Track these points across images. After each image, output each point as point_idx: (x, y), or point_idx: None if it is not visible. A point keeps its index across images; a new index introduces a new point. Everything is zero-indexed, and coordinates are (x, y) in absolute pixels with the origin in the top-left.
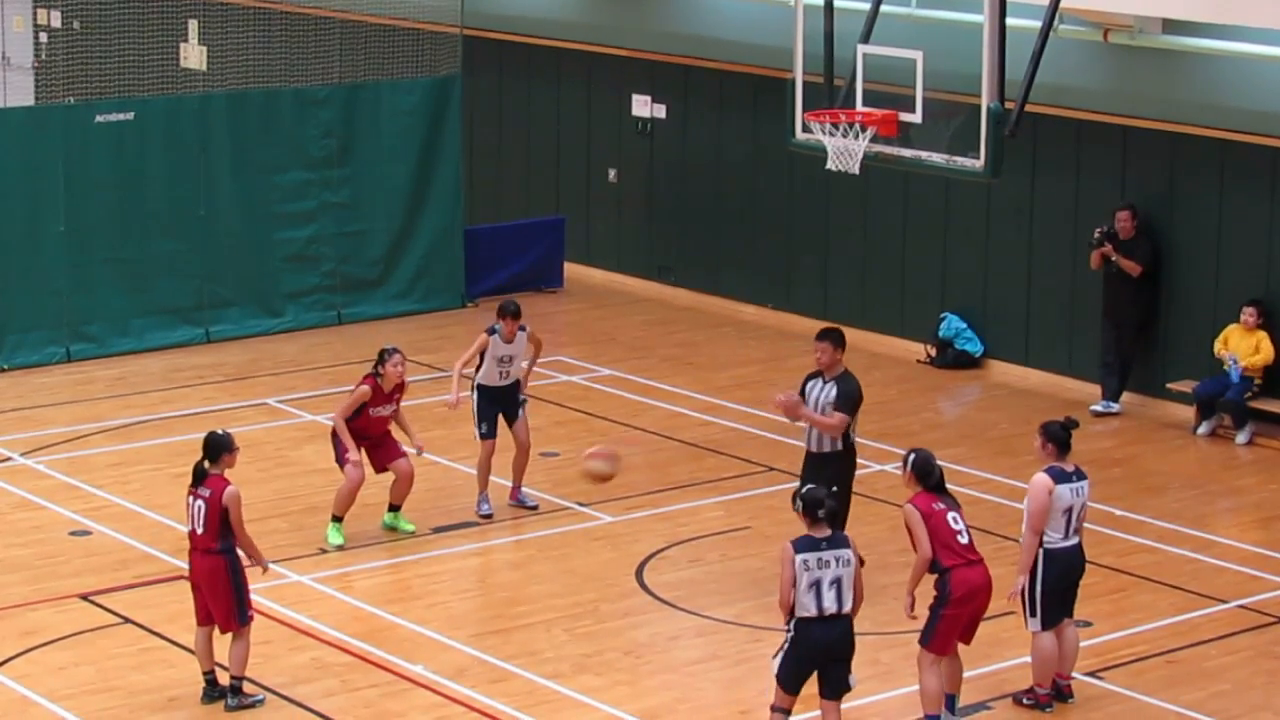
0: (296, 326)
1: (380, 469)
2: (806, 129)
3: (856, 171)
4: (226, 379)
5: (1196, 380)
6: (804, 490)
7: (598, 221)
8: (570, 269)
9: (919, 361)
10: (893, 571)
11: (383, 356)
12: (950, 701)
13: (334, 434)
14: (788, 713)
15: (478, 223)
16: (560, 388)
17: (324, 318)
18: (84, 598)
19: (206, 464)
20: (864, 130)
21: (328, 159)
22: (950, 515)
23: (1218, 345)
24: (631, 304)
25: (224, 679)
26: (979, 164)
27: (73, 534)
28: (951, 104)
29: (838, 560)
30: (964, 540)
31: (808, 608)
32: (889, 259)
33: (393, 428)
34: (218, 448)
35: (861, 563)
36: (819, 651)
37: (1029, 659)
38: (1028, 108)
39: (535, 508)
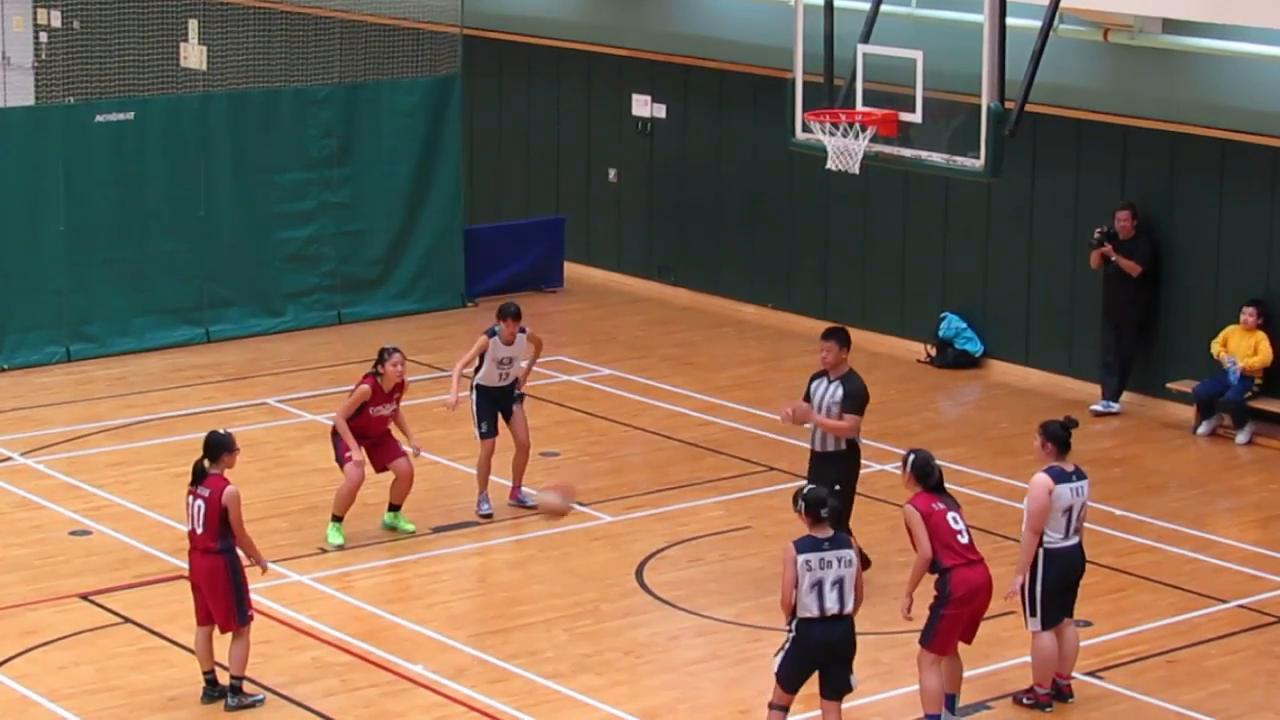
0: (296, 326)
1: (380, 469)
2: (806, 129)
3: (856, 171)
4: (226, 379)
5: (1196, 380)
6: (805, 490)
7: (598, 221)
8: (570, 269)
9: (919, 361)
10: (893, 571)
11: (382, 356)
12: (950, 701)
13: (334, 433)
14: (786, 710)
15: (478, 223)
16: (560, 388)
17: (324, 317)
18: (84, 597)
19: (206, 463)
20: (864, 130)
21: (328, 159)
22: (950, 515)
23: (1216, 347)
24: (631, 304)
25: (224, 679)
26: (979, 164)
27: (73, 534)
28: (951, 104)
29: (840, 561)
30: (964, 540)
31: (809, 608)
32: (889, 259)
33: (392, 428)
34: (218, 447)
35: (867, 564)
36: (820, 652)
37: (1029, 659)
38: (1028, 107)
39: (535, 507)
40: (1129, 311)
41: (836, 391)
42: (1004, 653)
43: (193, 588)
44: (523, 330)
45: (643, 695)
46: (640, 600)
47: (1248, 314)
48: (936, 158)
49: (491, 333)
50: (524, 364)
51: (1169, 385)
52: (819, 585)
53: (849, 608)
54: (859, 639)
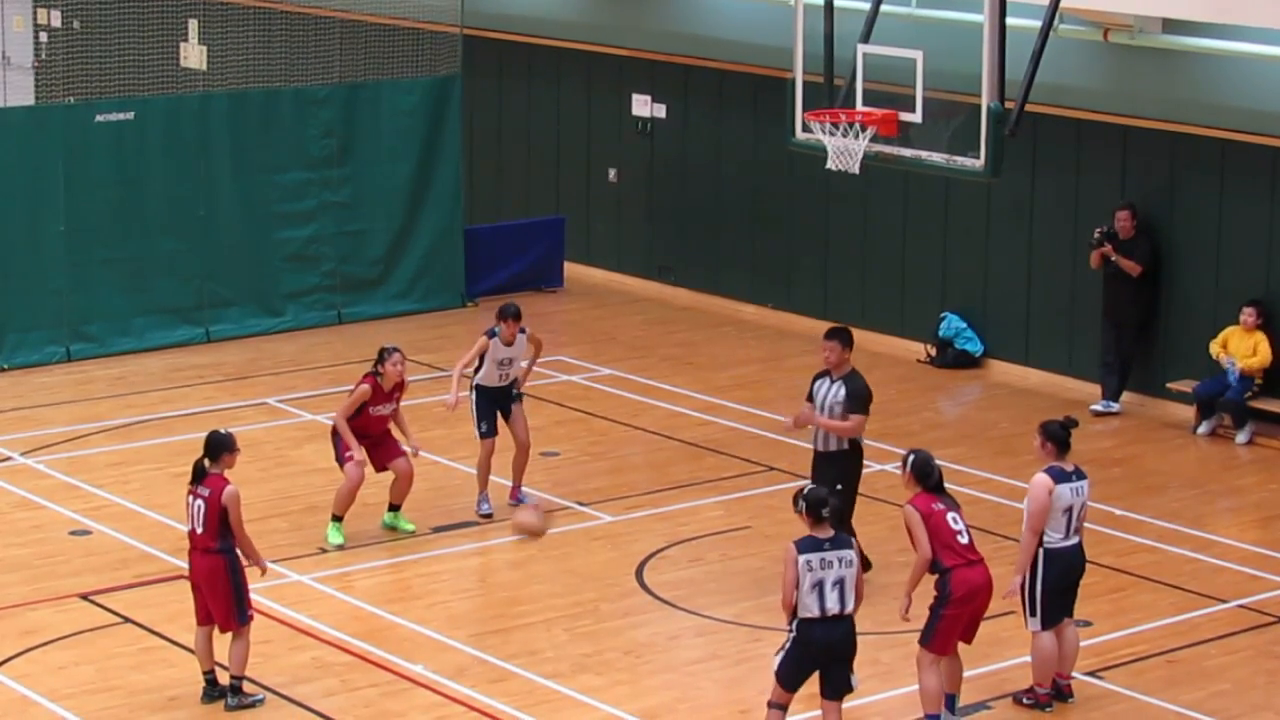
0: (296, 326)
1: (380, 468)
2: (806, 129)
3: (856, 171)
4: (226, 379)
5: (1196, 380)
6: (806, 490)
7: (598, 221)
8: (570, 269)
9: (919, 361)
10: (893, 571)
11: (382, 355)
12: (950, 701)
13: (334, 433)
14: (785, 709)
15: (478, 223)
16: (560, 388)
17: (324, 317)
18: (84, 597)
19: (207, 463)
20: (864, 130)
21: (328, 159)
22: (950, 515)
23: (1215, 348)
24: (631, 304)
25: (224, 678)
26: (979, 164)
27: (73, 534)
28: (951, 104)
29: (840, 561)
30: (964, 540)
31: (810, 608)
32: (889, 259)
33: (391, 427)
34: (219, 447)
35: (868, 567)
36: (821, 652)
37: (1029, 659)
38: (1028, 107)
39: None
40: (1129, 311)
41: (839, 391)
42: (1004, 653)
43: (193, 587)
44: (523, 331)
45: (643, 695)
46: (640, 600)
47: (1247, 314)
48: (936, 158)
49: (491, 333)
50: (524, 364)
51: (1169, 385)
52: (820, 585)
53: (850, 608)
54: (859, 639)
